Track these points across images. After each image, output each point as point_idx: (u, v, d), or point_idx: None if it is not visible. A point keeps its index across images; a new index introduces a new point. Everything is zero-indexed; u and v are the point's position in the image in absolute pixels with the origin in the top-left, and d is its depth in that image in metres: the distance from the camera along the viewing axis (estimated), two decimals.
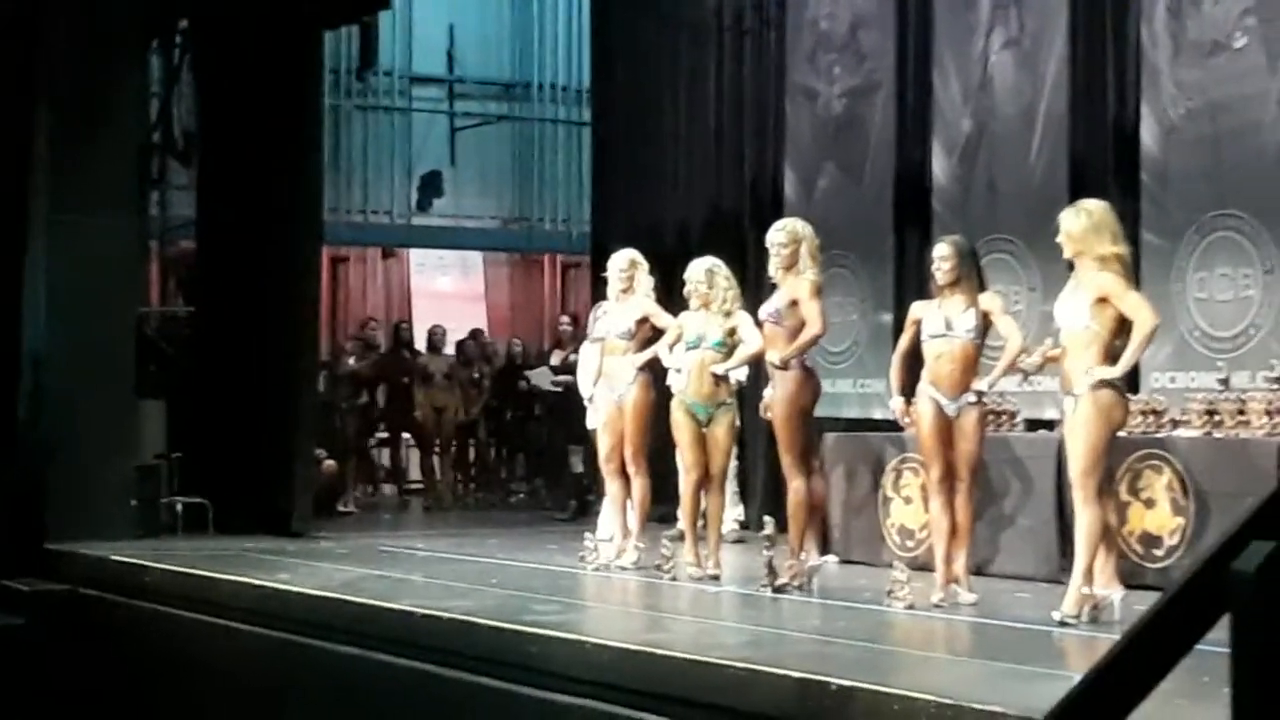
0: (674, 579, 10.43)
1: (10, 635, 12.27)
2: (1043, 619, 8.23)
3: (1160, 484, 9.49)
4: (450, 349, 18.61)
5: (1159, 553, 9.43)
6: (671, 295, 11.37)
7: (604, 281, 11.61)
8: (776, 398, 9.98)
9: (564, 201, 23.12)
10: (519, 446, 19.00)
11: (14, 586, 12.74)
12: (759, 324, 10.20)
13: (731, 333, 10.46)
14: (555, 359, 16.95)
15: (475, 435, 18.52)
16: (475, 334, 19.31)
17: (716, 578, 10.46)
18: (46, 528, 13.19)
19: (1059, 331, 8.47)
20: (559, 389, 15.78)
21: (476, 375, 18.27)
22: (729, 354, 10.46)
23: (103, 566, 12.38)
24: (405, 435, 18.57)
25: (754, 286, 11.98)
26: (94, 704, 11.95)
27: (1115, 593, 8.28)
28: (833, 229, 12.08)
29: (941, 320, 9.11)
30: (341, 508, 16.48)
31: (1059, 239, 8.38)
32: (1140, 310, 8.19)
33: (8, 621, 12.42)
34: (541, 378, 16.94)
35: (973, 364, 9.13)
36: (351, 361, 17.29)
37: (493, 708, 8.20)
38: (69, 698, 12.03)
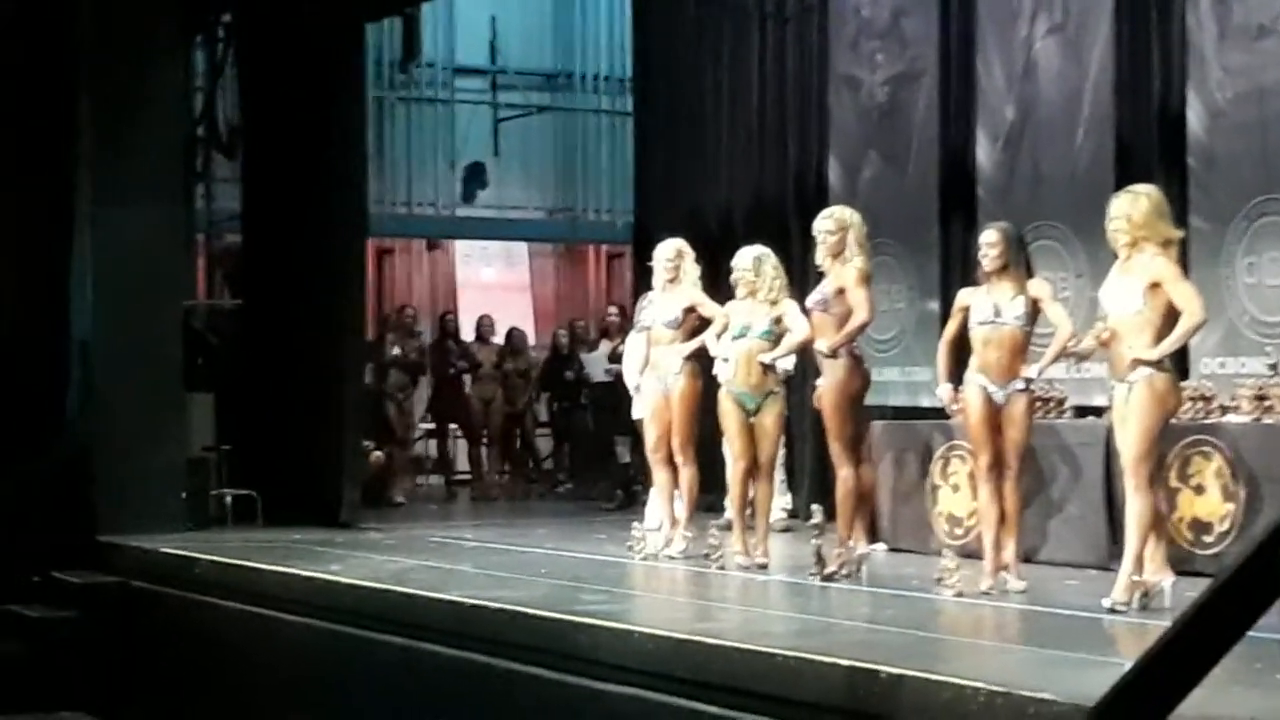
0: (722, 568, 10.42)
1: (61, 627, 12.35)
2: (1092, 606, 8.20)
3: (1210, 470, 9.44)
4: (499, 339, 18.61)
5: (1209, 539, 9.38)
6: (716, 284, 11.36)
7: (649, 271, 11.60)
8: (825, 386, 9.97)
9: (608, 191, 23.09)
10: (566, 437, 19.01)
11: (65, 579, 12.82)
12: (806, 312, 10.19)
13: (778, 321, 10.45)
14: (603, 349, 16.97)
15: (523, 426, 18.53)
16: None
17: (764, 566, 10.45)
18: (96, 520, 13.26)
19: (1106, 316, 8.42)
20: (611, 378, 15.78)
21: (524, 366, 18.28)
22: (776, 343, 10.45)
23: (152, 559, 12.44)
24: (453, 426, 18.61)
25: (798, 275, 11.97)
26: (144, 695, 12.02)
27: (1165, 579, 8.25)
28: (877, 217, 12.02)
29: (990, 307, 9.07)
30: (396, 498, 16.57)
31: (1115, 226, 8.26)
32: (1191, 302, 8.14)
33: (59, 614, 12.51)
34: (596, 365, 16.95)
35: (1021, 351, 9.09)
36: (396, 350, 17.28)
37: (541, 697, 8.21)
38: (120, 689, 12.10)
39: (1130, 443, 8.13)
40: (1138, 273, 8.17)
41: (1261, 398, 9.69)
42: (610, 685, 7.79)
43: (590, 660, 8.00)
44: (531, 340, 19.65)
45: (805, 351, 10.73)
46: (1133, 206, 8.26)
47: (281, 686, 10.53)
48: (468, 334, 18.77)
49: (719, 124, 15.67)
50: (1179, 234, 8.44)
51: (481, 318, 18.79)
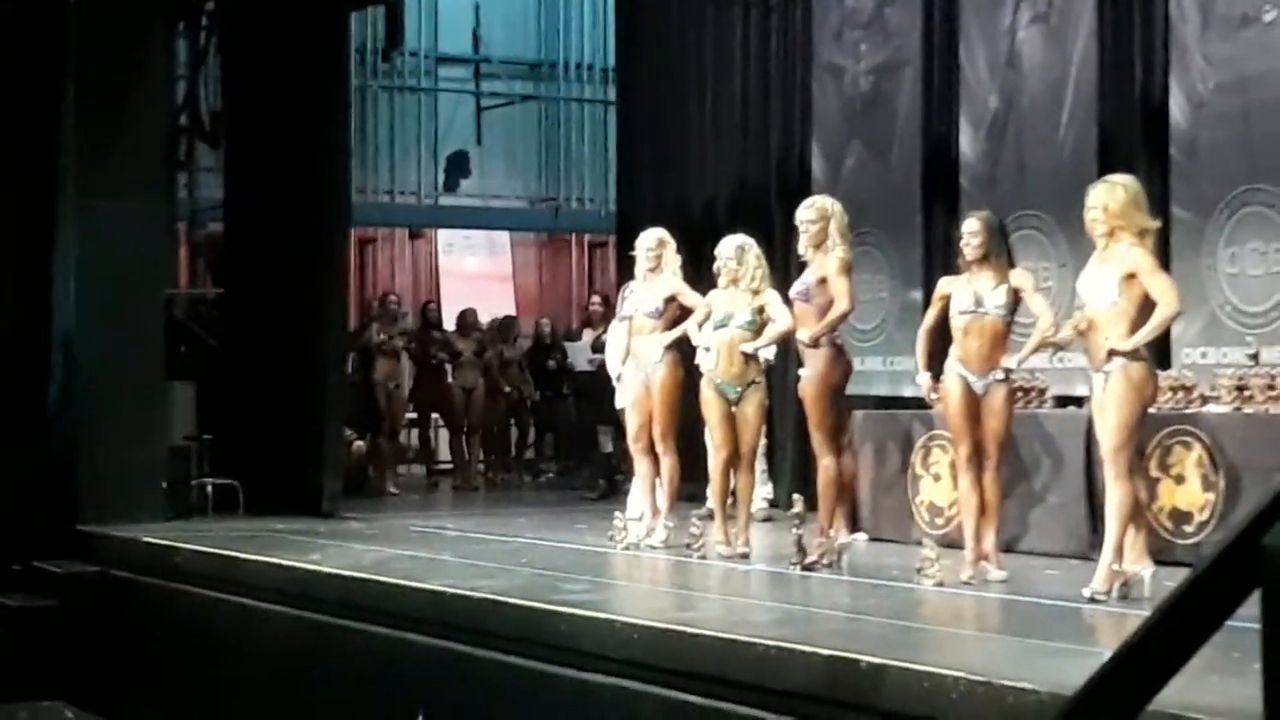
0: (703, 557, 10.42)
1: (42, 616, 12.33)
2: (1072, 595, 8.21)
3: (1190, 460, 9.45)
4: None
5: (1189, 529, 9.40)
6: (699, 273, 11.36)
7: (631, 260, 11.60)
8: (807, 376, 9.97)
9: (591, 181, 23.11)
10: (549, 426, 18.99)
11: (46, 568, 12.79)
12: (788, 302, 10.19)
13: (760, 311, 10.44)
14: (586, 338, 16.95)
15: (519, 413, 18.46)
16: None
17: (746, 556, 10.45)
18: (78, 510, 13.24)
19: (1084, 306, 8.43)
20: (594, 367, 15.76)
21: (513, 354, 18.21)
22: (758, 332, 10.44)
23: (133, 548, 12.42)
24: (434, 415, 18.56)
25: (781, 264, 11.97)
26: (125, 685, 12.00)
27: (1145, 569, 8.26)
28: (860, 207, 12.04)
29: (971, 296, 9.07)
30: (389, 489, 16.56)
31: (1092, 216, 8.27)
32: (1166, 293, 8.15)
33: (40, 603, 12.48)
34: (579, 354, 16.94)
35: (1002, 341, 9.10)
36: (382, 337, 17.20)
37: (522, 687, 8.21)
38: (100, 679, 12.08)
39: (1109, 433, 8.15)
40: (1114, 263, 8.18)
41: (1242, 388, 9.69)
42: (591, 674, 7.80)
43: (571, 649, 7.99)
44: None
45: (787, 341, 10.73)
46: (1109, 196, 8.26)
47: (262, 676, 10.52)
48: (450, 324, 18.69)
49: (702, 113, 15.66)
50: (1155, 224, 8.45)
51: (465, 312, 18.61)
